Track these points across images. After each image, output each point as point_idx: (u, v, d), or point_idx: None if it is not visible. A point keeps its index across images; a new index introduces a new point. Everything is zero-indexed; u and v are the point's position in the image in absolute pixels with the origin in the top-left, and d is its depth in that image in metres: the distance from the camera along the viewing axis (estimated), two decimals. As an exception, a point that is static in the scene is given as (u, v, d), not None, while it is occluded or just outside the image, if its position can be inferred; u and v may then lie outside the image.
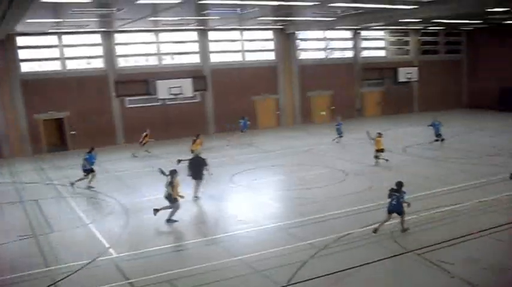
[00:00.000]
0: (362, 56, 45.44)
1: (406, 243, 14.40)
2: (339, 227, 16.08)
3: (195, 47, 38.18)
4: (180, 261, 14.07)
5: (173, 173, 17.46)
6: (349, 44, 44.83)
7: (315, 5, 25.63)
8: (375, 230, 15.21)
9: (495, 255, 13.59)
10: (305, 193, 20.66)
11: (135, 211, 19.06)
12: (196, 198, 20.12)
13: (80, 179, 22.94)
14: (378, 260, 13.29)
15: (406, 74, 44.91)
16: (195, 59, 38.27)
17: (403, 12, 29.06)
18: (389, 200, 15.39)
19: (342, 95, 43.98)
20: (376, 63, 45.51)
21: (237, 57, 39.80)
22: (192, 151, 25.38)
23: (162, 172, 18.17)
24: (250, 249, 14.52)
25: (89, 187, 22.75)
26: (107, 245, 15.35)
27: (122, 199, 20.78)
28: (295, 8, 27.60)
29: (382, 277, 12.52)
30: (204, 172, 20.30)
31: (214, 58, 38.86)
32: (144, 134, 31.02)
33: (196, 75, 36.68)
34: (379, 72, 45.23)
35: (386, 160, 25.52)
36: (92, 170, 23.01)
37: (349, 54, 44.89)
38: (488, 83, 48.45)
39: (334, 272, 12.64)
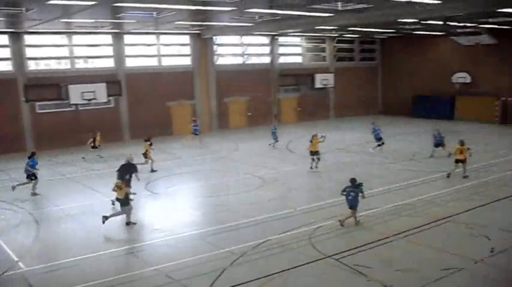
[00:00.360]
0: (279, 62, 46.02)
1: (324, 248, 14.73)
2: (258, 233, 16.23)
3: (110, 50, 37.45)
4: (95, 273, 13.69)
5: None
6: (267, 50, 45.34)
7: (232, 10, 25.79)
8: (342, 224, 16.67)
9: (409, 257, 14.15)
10: (223, 200, 20.75)
11: (47, 221, 18.50)
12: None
13: (22, 184, 22.18)
14: (296, 267, 13.52)
15: (322, 80, 45.98)
16: (110, 63, 37.55)
17: (320, 20, 29.68)
18: (344, 196, 17.03)
19: (259, 101, 44.38)
20: (293, 69, 46.28)
21: (153, 62, 39.36)
22: (146, 155, 26.41)
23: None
24: (168, 258, 14.41)
25: (34, 194, 21.96)
26: (16, 259, 14.79)
27: (32, 209, 20.10)
28: (212, 12, 27.64)
29: (301, 283, 12.73)
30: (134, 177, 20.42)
31: (129, 62, 38.27)
32: (93, 137, 30.78)
33: (111, 79, 36.03)
34: (296, 78, 46.03)
35: (317, 160, 25.80)
36: (35, 176, 22.21)
37: (266, 60, 45.38)
38: (402, 91, 50.44)
39: (254, 280, 12.76)
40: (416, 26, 37.30)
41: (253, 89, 43.93)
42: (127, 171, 20.33)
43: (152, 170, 26.33)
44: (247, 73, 43.55)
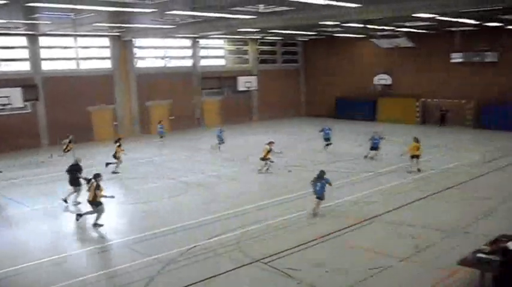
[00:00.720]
0: (201, 64, 45.93)
1: (253, 253, 14.82)
2: (184, 240, 16.14)
3: (25, 53, 36.26)
4: None
5: (97, 176, 18.11)
6: (188, 52, 45.16)
7: (152, 12, 25.52)
8: (315, 214, 18.15)
9: (338, 258, 14.47)
10: (147, 207, 20.49)
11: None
12: (71, 204, 20.80)
13: None
14: (226, 272, 13.54)
15: (245, 83, 46.13)
16: (25, 66, 36.31)
17: (242, 22, 29.82)
18: (312, 186, 18.52)
19: (181, 104, 44.12)
20: (215, 72, 46.23)
21: (71, 65, 38.39)
22: (116, 156, 27.18)
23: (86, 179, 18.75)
24: (93, 268, 14.12)
25: None
26: None
27: None
28: (132, 14, 27.26)
29: (230, 288, 12.77)
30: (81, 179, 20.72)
31: (46, 66, 37.15)
32: (67, 140, 30.60)
33: (27, 84, 34.76)
34: (218, 81, 45.99)
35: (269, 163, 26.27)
36: None
37: (189, 63, 45.20)
38: (325, 93, 51.50)
39: (183, 287, 12.70)
40: (337, 29, 38.17)
41: (176, 93, 43.64)
42: (73, 172, 20.84)
43: (114, 172, 26.77)
44: (169, 76, 43.20)
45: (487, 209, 18.85)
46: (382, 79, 46.74)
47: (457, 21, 31.51)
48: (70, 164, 21.53)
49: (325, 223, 17.67)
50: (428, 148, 30.82)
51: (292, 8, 25.19)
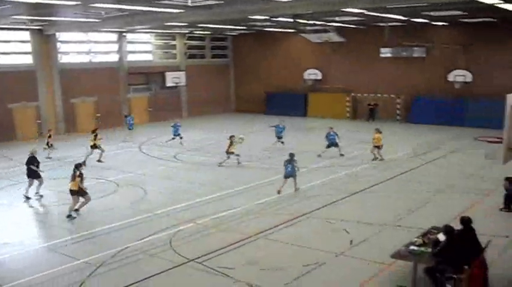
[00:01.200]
0: (128, 60, 45.22)
1: (186, 252, 14.72)
2: (115, 241, 15.87)
3: None
4: None
5: (78, 166, 18.83)
6: (115, 47, 44.36)
7: (76, 5, 24.91)
8: (279, 192, 20.51)
9: (273, 255, 14.57)
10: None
11: None
12: (33, 197, 21.43)
13: None
14: (159, 273, 13.39)
15: (173, 78, 45.80)
16: None
17: (170, 16, 29.54)
18: (284, 167, 21.07)
19: (108, 101, 43.22)
20: (143, 67, 45.67)
21: (-12, 61, 37.01)
22: (93, 146, 28.51)
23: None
24: (20, 274, 13.58)
25: None
26: None
27: None
28: (53, 7, 26.51)
29: (164, 290, 12.65)
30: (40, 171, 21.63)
31: (-39, 61, 35.65)
32: (48, 134, 30.36)
33: None
34: (146, 76, 45.51)
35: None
36: None
37: (115, 58, 44.40)
38: (254, 88, 51.73)
39: (115, 290, 12.49)
40: (267, 23, 38.39)
41: (102, 89, 42.76)
42: (32, 163, 21.46)
43: (99, 160, 28.41)
44: (94, 72, 42.23)
45: (419, 202, 19.46)
46: (312, 74, 47.39)
47: (386, 17, 32.28)
48: (27, 157, 21.86)
49: (259, 220, 17.76)
50: (358, 143, 31.54)
51: (221, 2, 25.15)
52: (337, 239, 15.68)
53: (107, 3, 25.23)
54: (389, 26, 38.29)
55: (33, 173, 21.44)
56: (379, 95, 43.26)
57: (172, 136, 33.31)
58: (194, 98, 49.73)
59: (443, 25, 39.83)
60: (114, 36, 43.94)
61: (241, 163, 26.84)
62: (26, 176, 21.83)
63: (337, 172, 24.76)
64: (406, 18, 34.59)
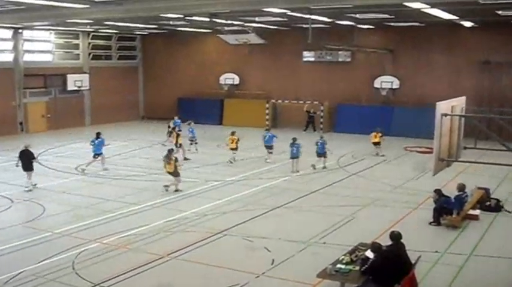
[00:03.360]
0: (24, 60, 43.91)
1: (92, 276, 14.37)
2: (9, 265, 15.29)
3: None
4: None
5: (171, 151, 24.22)
6: (9, 45, 43.00)
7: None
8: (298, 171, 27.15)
9: (185, 278, 14.54)
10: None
11: None
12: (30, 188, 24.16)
13: None
14: (59, 300, 13.06)
15: (76, 81, 44.89)
16: None
17: (73, 12, 29.01)
18: (290, 149, 27.64)
19: (0, 106, 41.81)
20: (41, 68, 44.46)
21: None
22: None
23: None
24: None
25: None
26: None
27: None
28: None
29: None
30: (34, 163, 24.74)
31: None
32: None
33: None
34: (44, 79, 44.31)
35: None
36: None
37: (9, 57, 43.02)
38: (165, 93, 51.35)
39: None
40: (181, 22, 38.25)
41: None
42: (26, 158, 24.73)
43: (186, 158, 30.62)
44: (-17, 73, 40.87)
45: (344, 217, 19.81)
46: (229, 78, 47.59)
47: (309, 18, 32.86)
48: (20, 150, 25.12)
49: (172, 238, 17.64)
50: (279, 153, 31.69)
51: (130, -3, 24.95)
52: (258, 258, 15.75)
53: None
54: (313, 28, 39.02)
55: (30, 165, 24.65)
56: (301, 101, 43.75)
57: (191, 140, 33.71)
58: (99, 103, 48.77)
59: (369, 28, 40.88)
60: (8, 33, 42.59)
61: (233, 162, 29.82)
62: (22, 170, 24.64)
63: (256, 185, 24.92)
64: (330, 20, 35.29)
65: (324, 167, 28.77)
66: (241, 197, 22.83)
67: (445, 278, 14.30)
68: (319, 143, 29.00)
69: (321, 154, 28.95)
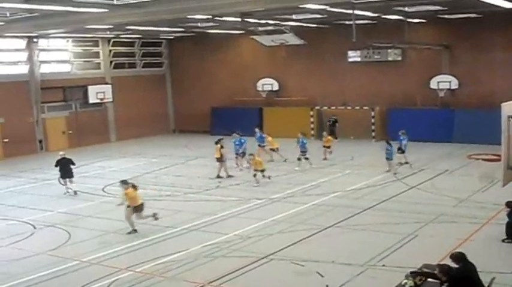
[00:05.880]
0: (41, 71, 44.54)
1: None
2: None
3: None
4: None
5: (221, 140, 30.91)
6: (23, 56, 43.66)
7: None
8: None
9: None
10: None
11: None
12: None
13: None
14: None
15: (98, 93, 45.28)
16: None
17: (92, 17, 29.34)
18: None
19: (17, 123, 42.41)
20: (59, 80, 44.97)
21: None
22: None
23: None
24: None
25: None
26: None
27: None
28: None
29: None
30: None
31: None
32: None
33: None
34: (64, 92, 44.81)
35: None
36: None
37: (24, 69, 43.68)
38: (197, 103, 51.64)
39: None
40: (210, 24, 38.44)
41: (8, 108, 41.97)
42: (66, 165, 28.63)
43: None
44: (-2, 87, 41.60)
45: (405, 236, 19.58)
46: (268, 84, 47.61)
47: (352, 13, 32.63)
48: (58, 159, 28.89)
49: (212, 264, 17.62)
50: (327, 166, 31.68)
51: (153, -1, 25.13)
52: (310, 284, 15.67)
53: (14, 3, 24.92)
54: (357, 24, 38.87)
55: (70, 172, 28.84)
56: (349, 107, 43.52)
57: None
58: (124, 116, 49.25)
59: (420, 23, 40.47)
60: (22, 43, 43.29)
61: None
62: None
63: (303, 203, 24.81)
64: (376, 15, 35.16)
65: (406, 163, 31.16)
66: (287, 217, 22.73)
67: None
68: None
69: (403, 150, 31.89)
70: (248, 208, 24.44)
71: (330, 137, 36.12)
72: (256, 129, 37.50)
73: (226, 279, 16.27)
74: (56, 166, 28.87)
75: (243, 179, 30.18)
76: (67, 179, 28.69)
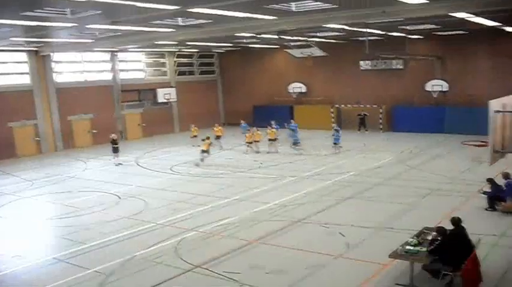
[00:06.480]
0: (121, 77, 45.12)
1: (192, 259, 14.71)
2: (122, 251, 15.82)
3: None
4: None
5: (208, 138, 30.34)
6: (108, 66, 44.26)
7: (72, 26, 24.86)
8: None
9: (275, 259, 14.60)
10: (78, 220, 19.82)
11: None
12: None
13: None
14: (168, 280, 13.38)
15: (165, 94, 45.62)
16: None
17: (161, 35, 29.63)
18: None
19: (103, 118, 43.13)
20: (135, 84, 45.41)
21: (-12, 81, 36.63)
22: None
23: None
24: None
25: None
26: None
27: None
28: (50, 29, 26.45)
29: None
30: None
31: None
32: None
33: None
34: (138, 93, 45.25)
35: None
36: None
37: (108, 76, 44.29)
38: (242, 102, 51.82)
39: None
40: (253, 40, 38.55)
41: (97, 106, 42.68)
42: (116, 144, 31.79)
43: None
44: (89, 90, 42.14)
45: (408, 206, 19.59)
46: (297, 87, 47.62)
47: (365, 31, 32.59)
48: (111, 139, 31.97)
49: (258, 226, 17.80)
50: (343, 151, 31.68)
51: (210, 21, 25.24)
52: (334, 242, 15.75)
53: (102, 24, 25.25)
54: (368, 40, 38.69)
55: (117, 150, 31.77)
56: (361, 105, 43.41)
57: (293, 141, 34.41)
58: (185, 113, 49.66)
59: (419, 38, 40.23)
60: (106, 56, 43.86)
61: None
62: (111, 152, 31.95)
63: (328, 179, 24.83)
64: (384, 33, 35.00)
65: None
66: (315, 190, 22.79)
67: (504, 258, 14.01)
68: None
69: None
70: (285, 183, 24.51)
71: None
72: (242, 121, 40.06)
73: (270, 237, 16.49)
74: (111, 143, 31.97)
75: (279, 161, 30.27)
76: (116, 154, 31.76)
